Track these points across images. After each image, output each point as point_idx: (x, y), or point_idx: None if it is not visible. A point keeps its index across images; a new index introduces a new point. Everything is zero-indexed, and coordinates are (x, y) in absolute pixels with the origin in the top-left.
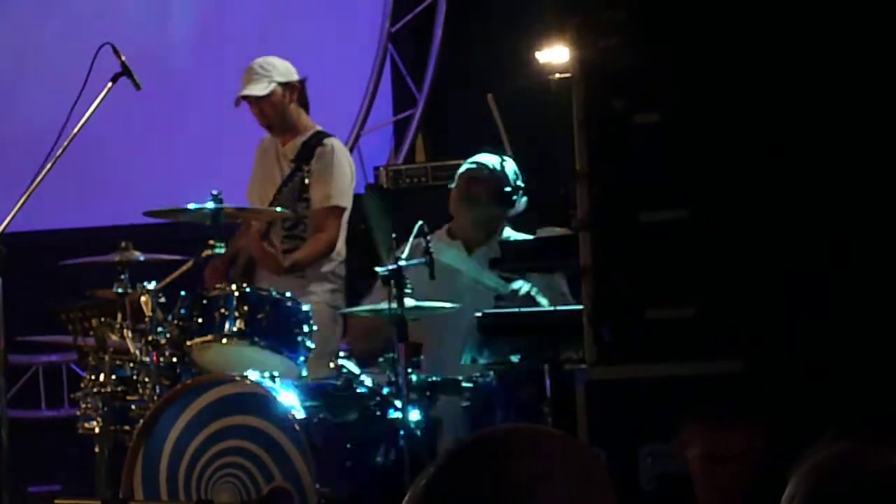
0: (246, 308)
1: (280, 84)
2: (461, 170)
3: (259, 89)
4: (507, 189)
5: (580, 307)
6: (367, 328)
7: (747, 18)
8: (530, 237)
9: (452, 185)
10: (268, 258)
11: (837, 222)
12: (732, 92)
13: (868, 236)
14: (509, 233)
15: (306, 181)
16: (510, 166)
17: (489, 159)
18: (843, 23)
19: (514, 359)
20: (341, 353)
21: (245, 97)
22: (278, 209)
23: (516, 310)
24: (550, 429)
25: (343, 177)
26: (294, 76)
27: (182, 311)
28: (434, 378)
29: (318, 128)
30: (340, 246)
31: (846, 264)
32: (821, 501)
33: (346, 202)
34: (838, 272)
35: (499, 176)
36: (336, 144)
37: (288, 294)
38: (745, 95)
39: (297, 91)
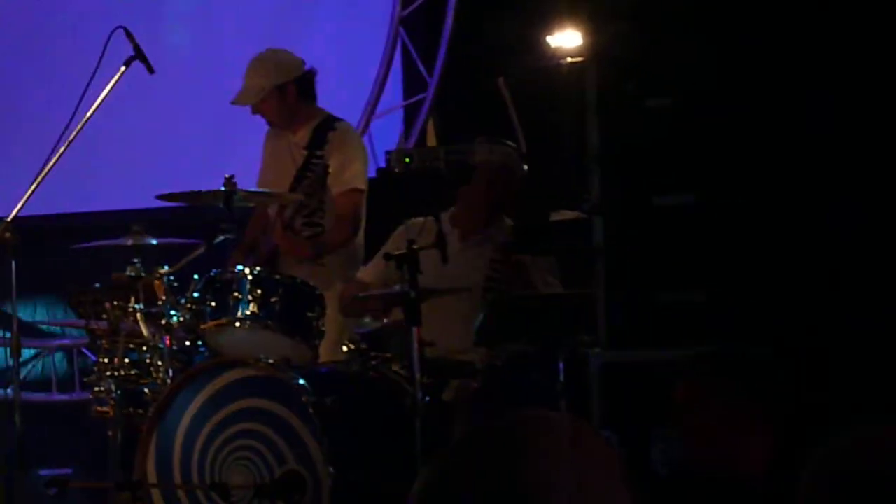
0: (259, 291)
1: (277, 85)
2: (482, 157)
3: (250, 97)
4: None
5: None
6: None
7: (759, 4)
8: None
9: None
10: (295, 245)
11: (846, 206)
12: (743, 77)
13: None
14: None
15: (329, 168)
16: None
17: (511, 159)
18: (851, 10)
19: (525, 342)
20: (355, 338)
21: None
22: (291, 194)
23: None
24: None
25: (359, 159)
26: (293, 73)
27: (195, 294)
28: (446, 361)
29: (327, 113)
30: (360, 231)
31: (854, 251)
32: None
33: (364, 184)
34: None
35: (515, 171)
36: (348, 128)
37: (300, 278)
38: (755, 80)
39: (298, 86)
